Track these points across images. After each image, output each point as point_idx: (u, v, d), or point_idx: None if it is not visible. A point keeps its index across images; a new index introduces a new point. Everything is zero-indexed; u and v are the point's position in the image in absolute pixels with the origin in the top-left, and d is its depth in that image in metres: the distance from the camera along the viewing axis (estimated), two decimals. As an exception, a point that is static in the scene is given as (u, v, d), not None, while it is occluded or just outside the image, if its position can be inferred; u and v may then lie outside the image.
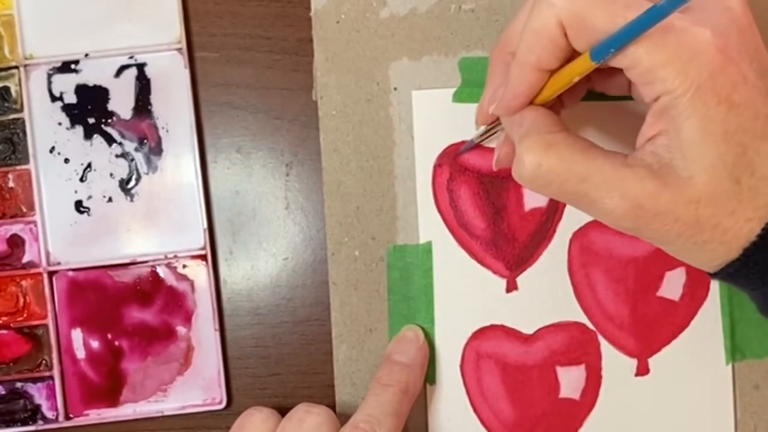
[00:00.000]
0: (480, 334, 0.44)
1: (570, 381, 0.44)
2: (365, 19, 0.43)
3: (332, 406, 0.43)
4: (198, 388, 0.46)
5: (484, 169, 0.43)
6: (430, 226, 0.44)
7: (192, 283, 0.46)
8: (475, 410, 0.44)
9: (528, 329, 0.44)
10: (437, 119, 0.43)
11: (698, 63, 0.30)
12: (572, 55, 0.33)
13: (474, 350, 0.44)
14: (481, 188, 0.43)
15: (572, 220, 0.43)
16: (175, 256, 0.45)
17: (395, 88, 0.44)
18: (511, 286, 0.44)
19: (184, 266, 0.46)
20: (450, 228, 0.44)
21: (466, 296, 0.44)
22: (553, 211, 0.44)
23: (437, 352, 0.44)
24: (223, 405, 0.45)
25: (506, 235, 0.44)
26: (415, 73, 0.43)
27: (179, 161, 0.46)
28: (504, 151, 0.40)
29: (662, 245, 0.34)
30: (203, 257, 0.45)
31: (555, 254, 0.44)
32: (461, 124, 0.43)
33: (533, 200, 0.44)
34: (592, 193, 0.33)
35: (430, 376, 0.44)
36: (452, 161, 0.44)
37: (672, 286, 0.44)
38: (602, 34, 0.31)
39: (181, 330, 0.46)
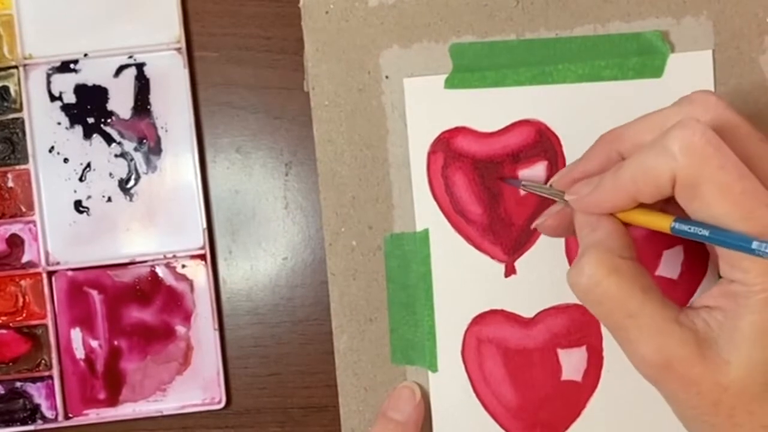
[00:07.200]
0: (480, 319, 0.44)
1: (571, 363, 0.43)
2: (354, 9, 0.43)
3: (332, 405, 0.43)
4: (197, 388, 0.45)
5: (478, 155, 0.43)
6: (426, 214, 0.43)
7: (191, 283, 0.46)
8: (477, 396, 0.44)
9: (528, 313, 0.43)
10: (430, 106, 0.43)
11: None
12: (670, 200, 0.33)
13: (475, 336, 0.44)
14: (476, 174, 0.43)
15: (568, 202, 0.43)
16: (174, 256, 0.45)
17: (387, 77, 0.43)
18: (510, 271, 0.43)
19: (184, 266, 0.46)
20: (446, 215, 0.43)
21: (465, 282, 0.43)
22: (549, 194, 0.43)
23: (438, 340, 0.44)
24: (223, 405, 0.45)
25: (503, 219, 0.43)
26: (406, 61, 0.43)
27: (178, 161, 0.46)
28: (551, 223, 0.39)
29: (673, 406, 0.34)
30: (202, 257, 0.45)
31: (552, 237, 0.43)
32: (454, 110, 0.43)
33: (529, 184, 0.43)
34: (632, 333, 0.32)
35: (431, 364, 0.43)
36: (446, 148, 0.43)
37: (670, 264, 0.43)
38: (708, 208, 0.31)
39: (180, 330, 0.45)
